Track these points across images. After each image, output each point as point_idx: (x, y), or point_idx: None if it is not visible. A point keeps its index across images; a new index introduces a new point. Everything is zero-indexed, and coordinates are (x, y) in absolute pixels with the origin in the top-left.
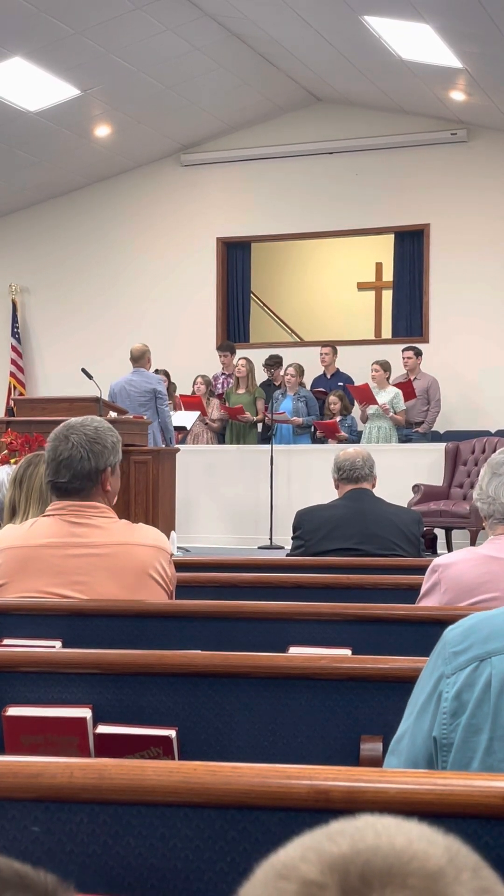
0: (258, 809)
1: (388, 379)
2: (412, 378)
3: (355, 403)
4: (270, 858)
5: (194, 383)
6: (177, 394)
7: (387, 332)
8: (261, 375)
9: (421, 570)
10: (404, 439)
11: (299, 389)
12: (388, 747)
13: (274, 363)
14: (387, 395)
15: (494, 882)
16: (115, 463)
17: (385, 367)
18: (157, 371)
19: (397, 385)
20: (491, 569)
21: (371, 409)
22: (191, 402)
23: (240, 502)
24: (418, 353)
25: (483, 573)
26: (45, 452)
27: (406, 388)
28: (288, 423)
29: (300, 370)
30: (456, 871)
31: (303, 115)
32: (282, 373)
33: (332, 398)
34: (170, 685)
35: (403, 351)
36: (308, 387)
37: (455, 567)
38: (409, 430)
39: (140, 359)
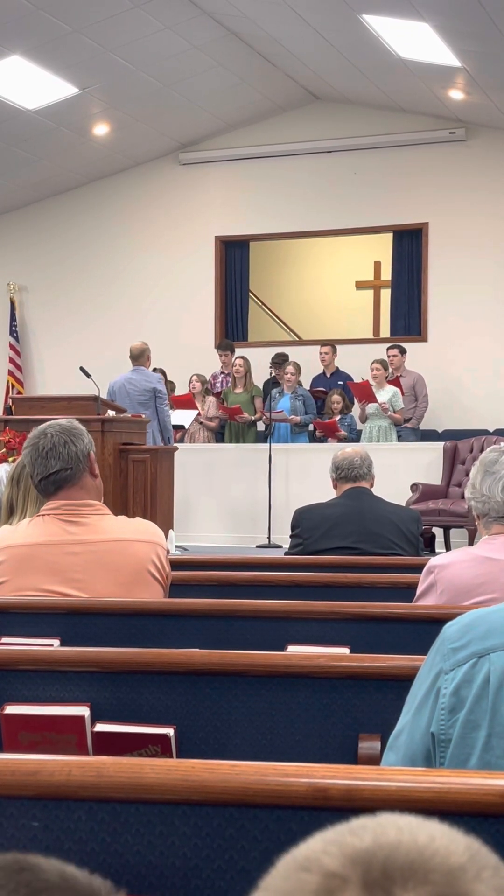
0: (257, 807)
1: (386, 378)
2: (398, 376)
3: (355, 402)
4: (292, 851)
5: (189, 382)
6: (174, 393)
7: (385, 331)
8: (258, 374)
9: (419, 569)
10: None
11: (297, 388)
12: (386, 745)
13: (280, 361)
14: (386, 394)
15: None
16: (93, 450)
17: (385, 365)
18: (153, 370)
19: (389, 383)
20: (487, 570)
21: (370, 409)
22: (181, 401)
23: (238, 501)
24: (403, 351)
25: (479, 574)
26: (25, 458)
27: (396, 385)
28: (286, 421)
29: (299, 369)
30: (477, 868)
31: (301, 113)
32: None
33: (334, 397)
34: (168, 683)
35: (388, 350)
36: (307, 385)
37: (451, 568)
38: (399, 427)
39: (139, 357)
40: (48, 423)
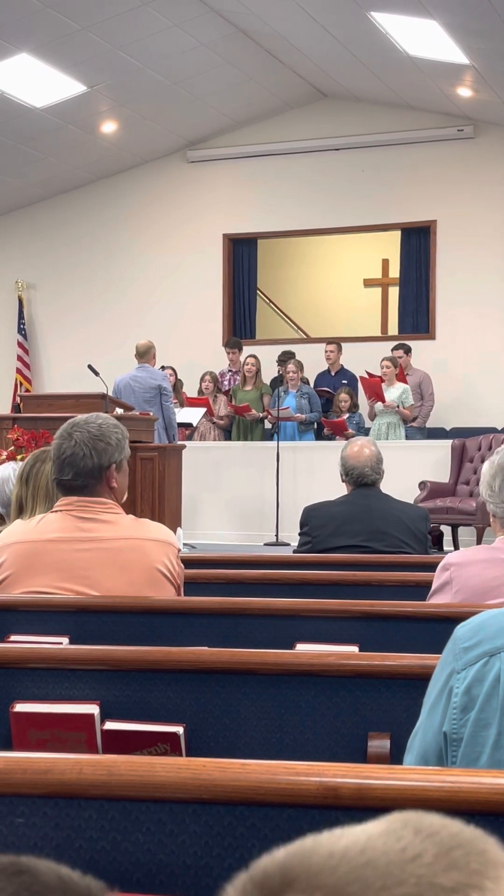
0: (267, 806)
1: (396, 375)
2: (406, 375)
3: (361, 399)
4: None
5: (202, 380)
6: (183, 390)
7: (393, 329)
8: (268, 372)
9: (427, 567)
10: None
11: (301, 386)
12: (395, 744)
13: (287, 358)
14: (396, 391)
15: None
16: (120, 460)
17: (395, 363)
18: (163, 368)
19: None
20: (503, 572)
21: (379, 406)
22: (198, 404)
23: (246, 499)
24: (408, 351)
25: (495, 576)
26: (51, 450)
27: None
28: (292, 419)
29: (300, 366)
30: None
31: (309, 111)
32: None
33: (342, 395)
34: (177, 682)
35: (393, 350)
36: (312, 383)
37: (468, 568)
38: (406, 426)
39: (145, 354)
40: (86, 419)
